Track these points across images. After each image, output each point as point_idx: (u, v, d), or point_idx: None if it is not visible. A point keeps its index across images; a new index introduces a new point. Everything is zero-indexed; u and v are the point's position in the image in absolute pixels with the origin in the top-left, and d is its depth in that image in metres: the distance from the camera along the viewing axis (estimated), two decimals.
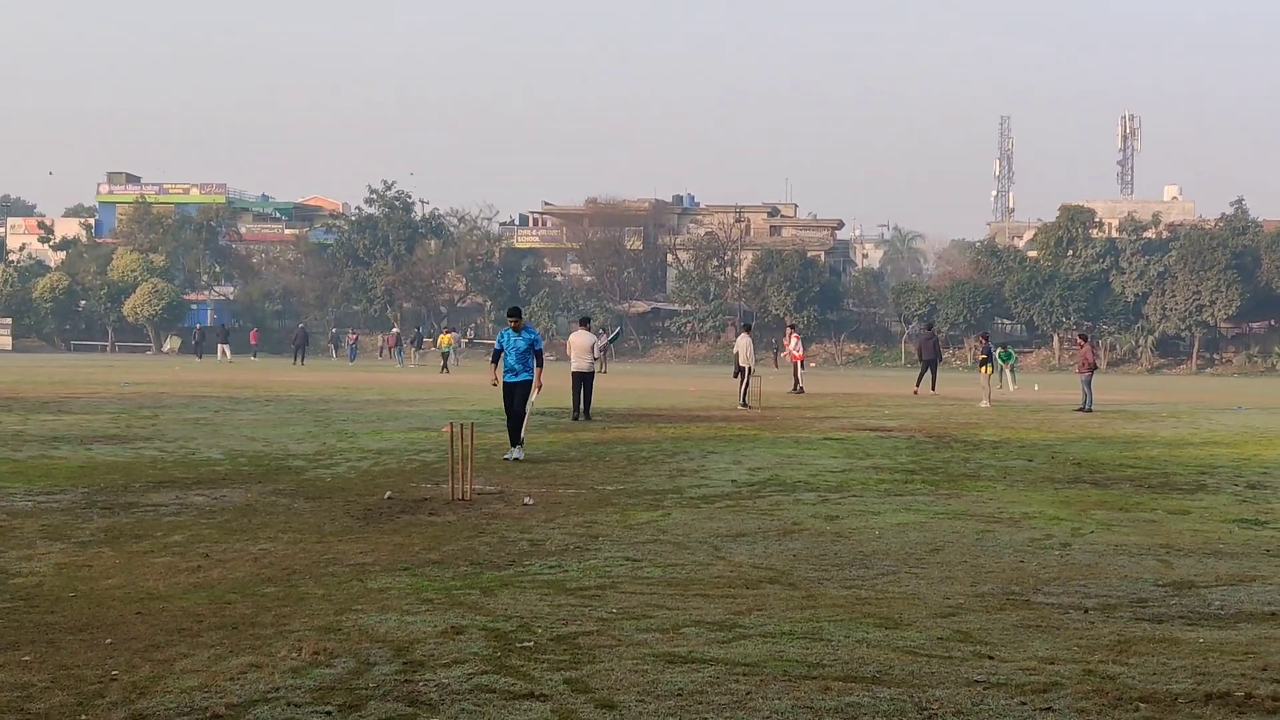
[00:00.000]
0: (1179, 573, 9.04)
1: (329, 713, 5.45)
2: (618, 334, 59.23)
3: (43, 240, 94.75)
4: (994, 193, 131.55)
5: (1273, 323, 79.45)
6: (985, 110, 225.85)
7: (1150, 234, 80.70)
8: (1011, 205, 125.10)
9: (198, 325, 79.43)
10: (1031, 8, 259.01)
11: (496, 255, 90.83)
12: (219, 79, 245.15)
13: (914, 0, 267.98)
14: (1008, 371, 40.13)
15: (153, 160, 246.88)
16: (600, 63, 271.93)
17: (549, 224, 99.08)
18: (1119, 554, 9.78)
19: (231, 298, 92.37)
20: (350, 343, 74.46)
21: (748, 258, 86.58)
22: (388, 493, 12.78)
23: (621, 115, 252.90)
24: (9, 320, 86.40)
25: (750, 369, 29.17)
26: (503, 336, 17.04)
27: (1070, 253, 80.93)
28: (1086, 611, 7.68)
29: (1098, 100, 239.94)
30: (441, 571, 8.74)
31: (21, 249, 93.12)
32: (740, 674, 6.08)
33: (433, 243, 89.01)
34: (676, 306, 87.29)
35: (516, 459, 16.11)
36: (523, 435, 16.71)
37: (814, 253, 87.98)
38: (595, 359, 25.39)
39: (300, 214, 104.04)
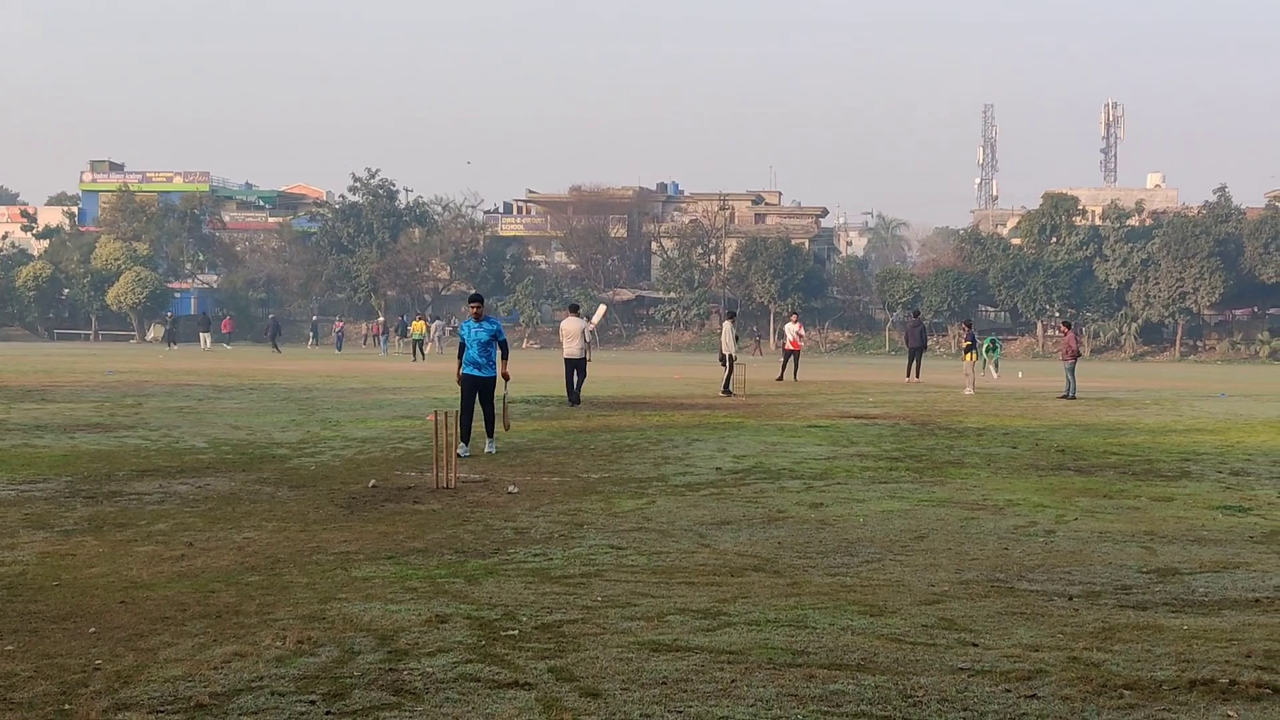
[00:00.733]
0: (1163, 559, 9.06)
1: (313, 701, 5.43)
2: (604, 314, 59.22)
3: (25, 229, 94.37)
4: (978, 180, 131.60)
5: (1255, 310, 79.68)
6: (969, 98, 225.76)
7: (1133, 221, 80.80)
8: (995, 193, 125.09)
9: (169, 313, 79.16)
10: None
11: (481, 243, 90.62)
12: (202, 66, 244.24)
13: None
14: (990, 365, 40.35)
15: (136, 148, 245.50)
16: (584, 50, 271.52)
17: (533, 212, 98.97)
18: (1103, 541, 9.81)
19: (215, 286, 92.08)
20: (336, 331, 74.32)
21: (732, 245, 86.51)
22: (372, 481, 12.76)
23: (606, 103, 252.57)
24: None
25: (733, 356, 29.17)
26: (464, 328, 15.88)
27: (1054, 240, 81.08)
28: (1071, 598, 7.70)
29: (1081, 88, 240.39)
30: (426, 560, 8.73)
31: (4, 237, 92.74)
32: (725, 662, 6.08)
33: (417, 231, 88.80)
34: (661, 294, 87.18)
35: (490, 452, 15.36)
36: (496, 432, 15.89)
37: (798, 240, 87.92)
38: (586, 344, 25.41)
39: (284, 202, 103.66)
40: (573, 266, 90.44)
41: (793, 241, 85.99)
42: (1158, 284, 76.94)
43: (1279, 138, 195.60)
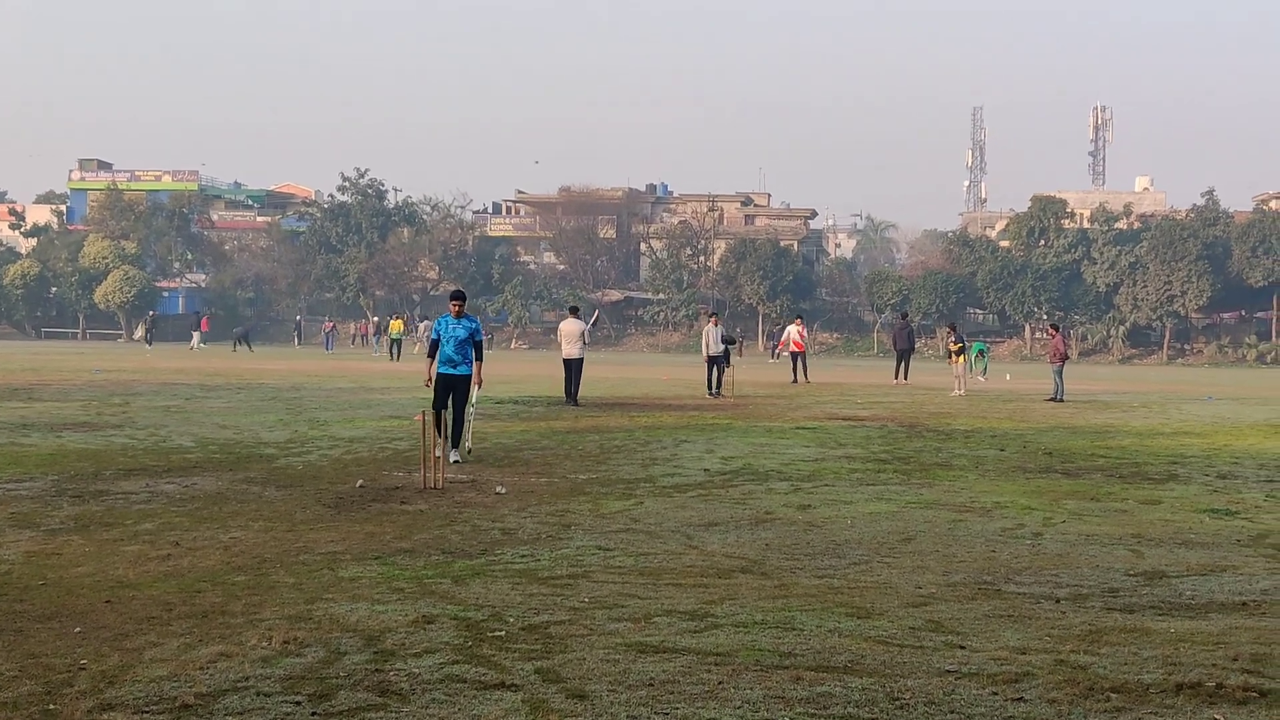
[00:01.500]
0: (1150, 563, 9.07)
1: (299, 702, 5.42)
2: (596, 318, 59.54)
3: (14, 227, 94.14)
4: (966, 183, 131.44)
5: (1243, 313, 79.96)
6: (958, 101, 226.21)
7: (1121, 224, 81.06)
8: (984, 195, 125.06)
9: (151, 312, 78.85)
10: None
11: (470, 243, 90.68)
12: (191, 65, 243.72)
13: None
14: (978, 373, 40.53)
15: (125, 147, 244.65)
16: (574, 51, 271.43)
17: (522, 212, 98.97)
18: (1090, 544, 9.81)
19: (204, 285, 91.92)
20: (327, 331, 74.20)
21: (721, 247, 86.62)
22: (359, 481, 12.73)
23: (595, 104, 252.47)
24: None
25: (714, 356, 29.18)
26: (440, 324, 15.20)
27: (1042, 243, 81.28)
28: (1058, 601, 7.70)
29: (1070, 91, 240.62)
30: (413, 560, 8.71)
31: None
32: (712, 663, 6.07)
33: (405, 231, 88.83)
34: (650, 295, 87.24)
35: (455, 461, 14.44)
36: (467, 440, 15.29)
37: (787, 242, 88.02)
38: (584, 345, 25.72)
39: (273, 201, 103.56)
40: (561, 267, 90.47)
41: (781, 243, 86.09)
42: (1145, 287, 77.17)
43: (1267, 142, 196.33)
